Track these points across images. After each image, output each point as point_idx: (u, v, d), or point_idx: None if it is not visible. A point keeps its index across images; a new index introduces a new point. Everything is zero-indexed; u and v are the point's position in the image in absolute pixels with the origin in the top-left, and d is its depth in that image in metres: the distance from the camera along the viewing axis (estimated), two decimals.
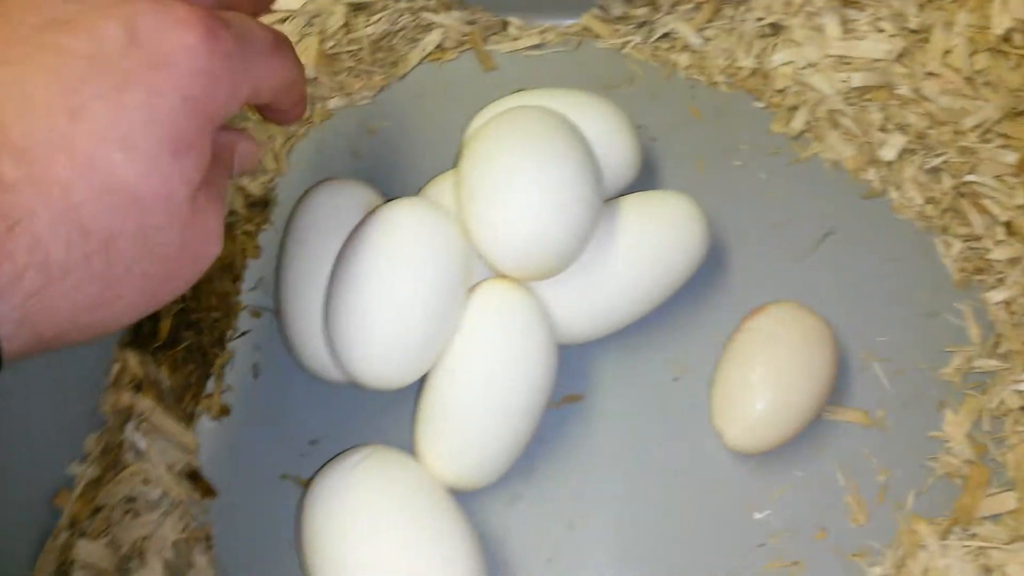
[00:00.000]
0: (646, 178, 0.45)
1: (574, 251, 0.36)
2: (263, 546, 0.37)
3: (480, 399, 0.35)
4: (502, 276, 0.37)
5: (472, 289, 0.37)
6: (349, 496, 0.33)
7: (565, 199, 0.35)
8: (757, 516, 0.37)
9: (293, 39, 0.49)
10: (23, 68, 0.22)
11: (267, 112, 0.32)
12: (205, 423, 0.40)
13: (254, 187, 0.46)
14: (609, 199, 0.41)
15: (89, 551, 0.35)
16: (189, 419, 0.39)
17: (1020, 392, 0.38)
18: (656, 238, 0.39)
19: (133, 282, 0.24)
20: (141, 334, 0.41)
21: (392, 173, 0.46)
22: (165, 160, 0.23)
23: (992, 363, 0.39)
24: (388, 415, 0.40)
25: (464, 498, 0.37)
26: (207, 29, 0.25)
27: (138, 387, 0.39)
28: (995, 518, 0.36)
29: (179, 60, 0.24)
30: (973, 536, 0.35)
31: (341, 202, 0.40)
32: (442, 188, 0.40)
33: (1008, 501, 0.36)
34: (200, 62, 0.24)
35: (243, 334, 0.42)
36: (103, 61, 0.23)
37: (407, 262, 0.35)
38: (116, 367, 0.39)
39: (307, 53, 0.49)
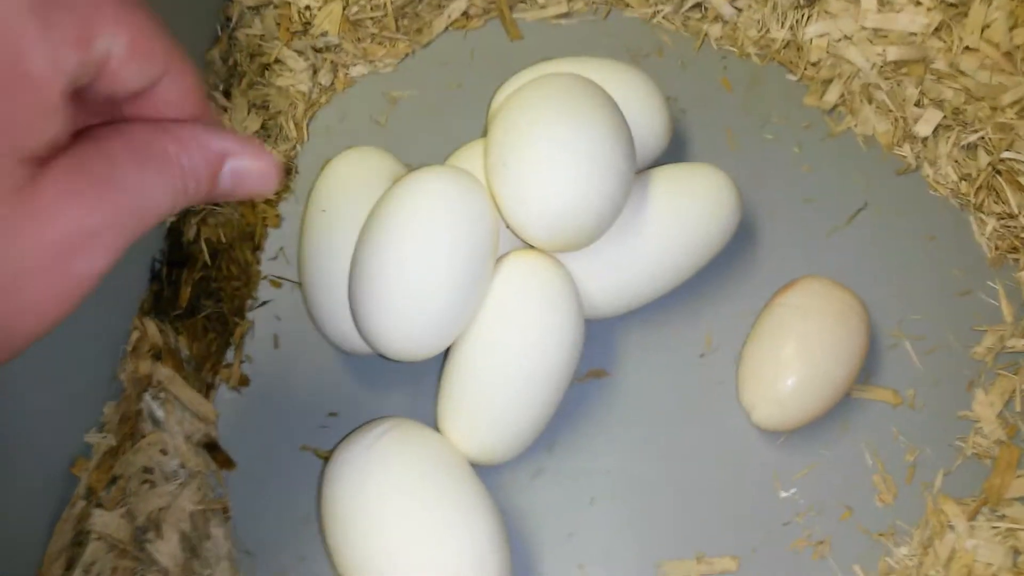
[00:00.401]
0: (676, 150, 0.44)
1: (606, 223, 0.35)
2: (281, 518, 0.37)
3: (505, 373, 0.35)
4: (530, 247, 0.36)
5: (499, 260, 0.36)
6: (371, 469, 0.33)
7: (599, 169, 0.34)
8: (783, 494, 0.37)
9: (316, 4, 0.48)
10: None
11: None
12: (224, 393, 0.39)
13: (276, 155, 0.45)
14: (639, 171, 0.40)
15: (105, 521, 0.35)
16: (208, 389, 0.39)
17: None
18: (687, 211, 0.38)
19: None
20: (161, 301, 0.40)
21: (415, 142, 0.45)
22: None
23: None
24: (410, 387, 0.39)
25: (486, 471, 0.37)
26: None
27: (157, 355, 0.39)
28: None
29: None
30: (1002, 517, 0.35)
31: (364, 171, 0.39)
32: (469, 157, 0.39)
33: None
34: None
35: (263, 304, 0.42)
36: None
37: (434, 232, 0.34)
38: (135, 335, 0.39)
39: (330, 19, 0.48)
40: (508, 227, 0.36)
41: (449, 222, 0.34)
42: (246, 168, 0.22)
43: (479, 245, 0.35)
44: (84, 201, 0.18)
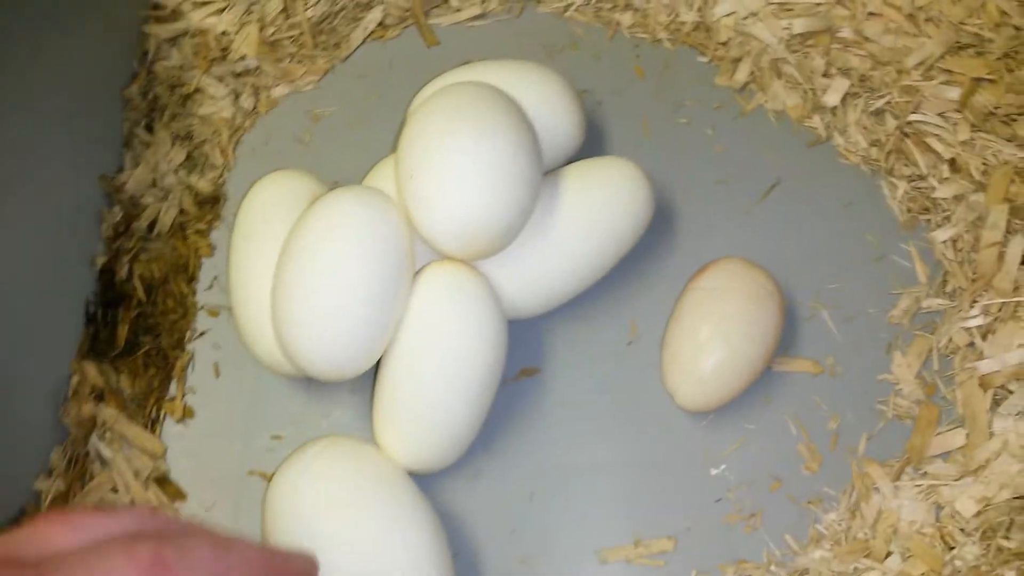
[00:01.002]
0: (593, 142, 0.45)
1: (515, 228, 0.36)
2: None
3: (433, 382, 0.36)
4: (447, 258, 0.37)
5: (418, 273, 0.37)
6: (307, 488, 0.34)
7: (503, 177, 0.35)
8: (713, 472, 0.38)
9: (232, 29, 0.49)
10: None
11: None
12: (170, 426, 0.40)
13: (203, 184, 0.46)
14: (555, 168, 0.41)
15: None
16: (154, 424, 0.40)
17: (967, 329, 0.39)
18: (600, 206, 0.39)
19: None
20: (99, 342, 0.41)
21: (339, 158, 0.46)
22: None
23: (939, 302, 0.40)
24: (351, 403, 0.40)
25: (427, 478, 0.38)
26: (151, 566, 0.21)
27: (99, 397, 0.40)
28: (945, 455, 0.37)
29: None
30: (924, 475, 0.36)
31: (284, 195, 0.40)
32: (384, 173, 0.40)
33: (958, 437, 0.36)
34: None
35: (202, 334, 0.42)
36: None
37: (350, 252, 0.35)
38: (75, 379, 0.40)
39: (248, 42, 0.49)
40: (422, 240, 0.37)
41: (360, 241, 0.35)
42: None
43: (393, 261, 0.35)
44: None
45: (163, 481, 0.39)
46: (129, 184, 0.45)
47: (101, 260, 0.43)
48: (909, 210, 0.42)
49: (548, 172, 0.40)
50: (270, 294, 0.37)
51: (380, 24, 0.50)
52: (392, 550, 0.33)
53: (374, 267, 0.35)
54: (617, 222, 0.39)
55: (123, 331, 0.42)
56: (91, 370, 0.40)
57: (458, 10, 0.50)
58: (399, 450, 0.36)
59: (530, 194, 0.36)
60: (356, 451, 0.35)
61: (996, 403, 0.37)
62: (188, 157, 0.47)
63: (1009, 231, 0.40)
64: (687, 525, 0.37)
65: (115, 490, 0.38)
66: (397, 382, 0.36)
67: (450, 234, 0.35)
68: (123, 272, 0.43)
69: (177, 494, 0.39)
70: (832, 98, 0.45)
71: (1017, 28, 0.45)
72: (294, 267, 0.35)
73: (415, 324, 0.36)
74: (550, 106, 0.41)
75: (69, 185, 0.43)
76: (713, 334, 0.37)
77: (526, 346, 0.41)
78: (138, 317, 0.42)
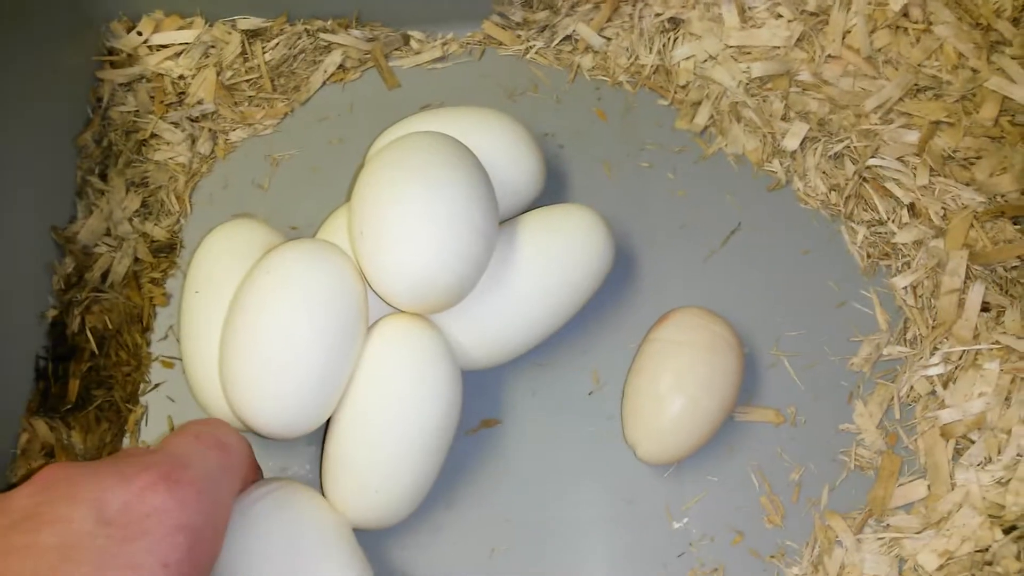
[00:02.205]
0: (555, 186, 0.45)
1: (469, 281, 0.36)
2: None
3: (384, 436, 0.35)
4: (402, 311, 0.37)
5: (372, 326, 0.36)
6: (244, 531, 0.32)
7: (455, 230, 0.34)
8: (676, 526, 0.37)
9: (189, 73, 0.48)
10: None
11: None
12: None
13: (159, 232, 0.45)
14: (515, 215, 0.40)
15: None
16: None
17: (928, 377, 0.38)
18: (559, 254, 0.39)
19: None
20: (49, 398, 0.40)
21: (299, 203, 0.46)
22: None
23: (900, 349, 0.40)
24: (306, 456, 0.39)
25: (387, 532, 0.37)
26: (170, 481, 0.26)
27: (50, 454, 0.39)
28: (908, 507, 0.36)
29: (152, 526, 0.25)
30: (887, 527, 0.36)
31: (238, 245, 0.39)
32: (340, 222, 0.39)
33: (919, 488, 0.36)
34: (173, 518, 0.25)
35: (156, 387, 0.42)
36: (75, 547, 0.23)
37: (300, 307, 0.34)
38: (24, 436, 0.39)
39: (205, 86, 0.48)
40: (375, 293, 0.36)
41: (311, 296, 0.34)
42: None
43: (345, 316, 0.35)
44: None
45: None
46: (82, 234, 0.44)
47: (52, 313, 0.42)
48: (869, 255, 0.42)
49: (507, 219, 0.40)
50: (218, 349, 0.36)
51: (340, 67, 0.50)
52: None
53: (325, 323, 0.34)
54: (576, 270, 0.39)
55: (75, 385, 0.41)
56: (41, 427, 0.39)
57: (419, 52, 0.50)
58: (348, 505, 0.35)
59: (484, 247, 0.36)
60: (303, 499, 0.34)
61: (958, 452, 0.37)
62: (143, 204, 0.46)
63: (969, 277, 0.40)
64: None
65: None
66: (347, 436, 0.35)
67: (402, 289, 0.35)
68: (75, 325, 0.42)
69: None
70: (791, 142, 0.45)
71: (974, 70, 0.45)
72: (242, 322, 0.35)
73: (367, 378, 0.35)
74: (509, 153, 0.40)
75: (19, 236, 0.42)
76: (672, 386, 0.37)
77: (487, 396, 0.40)
78: (90, 370, 0.41)
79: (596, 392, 0.40)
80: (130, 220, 0.45)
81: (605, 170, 0.46)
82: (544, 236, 0.39)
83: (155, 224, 0.45)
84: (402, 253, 0.34)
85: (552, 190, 0.44)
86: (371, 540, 0.36)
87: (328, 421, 0.36)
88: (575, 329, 0.41)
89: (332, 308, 0.35)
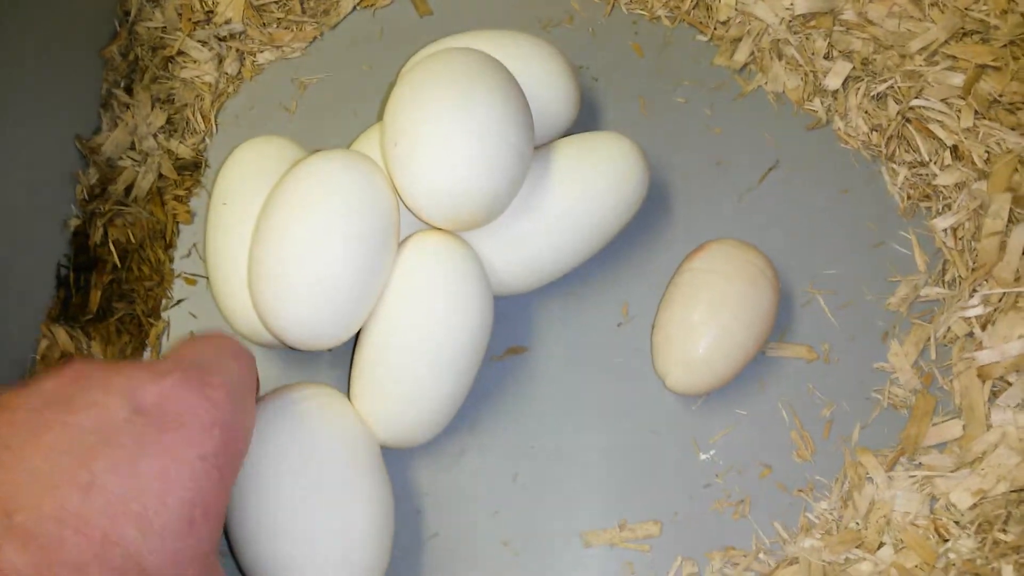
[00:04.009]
0: (588, 119, 0.44)
1: (503, 199, 0.35)
2: None
3: (414, 355, 0.34)
4: (434, 228, 0.36)
5: (403, 242, 0.36)
6: (277, 433, 0.32)
7: (491, 145, 0.34)
8: (703, 457, 0.37)
9: None
10: (25, 448, 0.22)
11: None
12: None
13: (183, 150, 0.44)
14: (547, 143, 0.39)
15: None
16: None
17: (967, 319, 0.38)
18: (594, 180, 0.38)
19: None
20: (70, 307, 0.40)
21: (325, 128, 0.45)
22: (180, 532, 0.23)
23: (938, 291, 0.39)
24: (330, 376, 0.39)
25: (410, 453, 0.37)
26: (204, 383, 0.25)
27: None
28: (941, 447, 0.36)
29: (189, 419, 0.24)
30: (919, 466, 0.35)
31: (265, 160, 0.38)
32: (371, 140, 0.39)
33: (954, 428, 0.35)
34: (211, 414, 0.25)
35: (178, 303, 0.41)
36: (111, 432, 0.23)
37: (333, 218, 0.33)
38: (44, 343, 0.38)
39: (234, 6, 0.47)
40: (407, 209, 0.35)
41: (343, 206, 0.33)
42: None
43: (377, 227, 0.34)
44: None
45: None
46: (106, 146, 0.43)
47: (75, 223, 0.42)
48: (909, 197, 0.41)
49: (541, 145, 0.39)
50: (247, 262, 0.35)
51: None
52: (333, 520, 0.32)
53: (358, 233, 0.34)
54: (610, 198, 0.38)
55: (96, 296, 0.40)
56: (61, 334, 0.39)
57: None
58: (375, 422, 0.35)
59: (520, 164, 0.35)
60: (336, 409, 0.34)
61: (994, 394, 0.36)
62: (168, 121, 0.45)
63: (1011, 220, 0.39)
64: (674, 510, 0.36)
65: None
66: (377, 353, 0.35)
67: (435, 204, 0.34)
68: (97, 236, 0.41)
69: None
70: (833, 81, 0.44)
71: (1023, 15, 0.44)
72: (274, 233, 0.34)
73: (398, 295, 0.35)
74: (544, 78, 0.39)
75: (43, 144, 0.41)
76: (706, 316, 0.36)
77: (515, 323, 0.39)
78: (112, 283, 0.41)
79: (625, 324, 0.40)
80: (155, 136, 0.44)
81: (640, 105, 0.45)
82: (579, 161, 0.38)
83: (180, 142, 0.45)
84: (436, 166, 0.33)
85: (585, 123, 0.43)
86: (393, 458, 0.36)
87: (357, 336, 0.36)
88: (606, 261, 0.40)
89: (365, 218, 0.34)
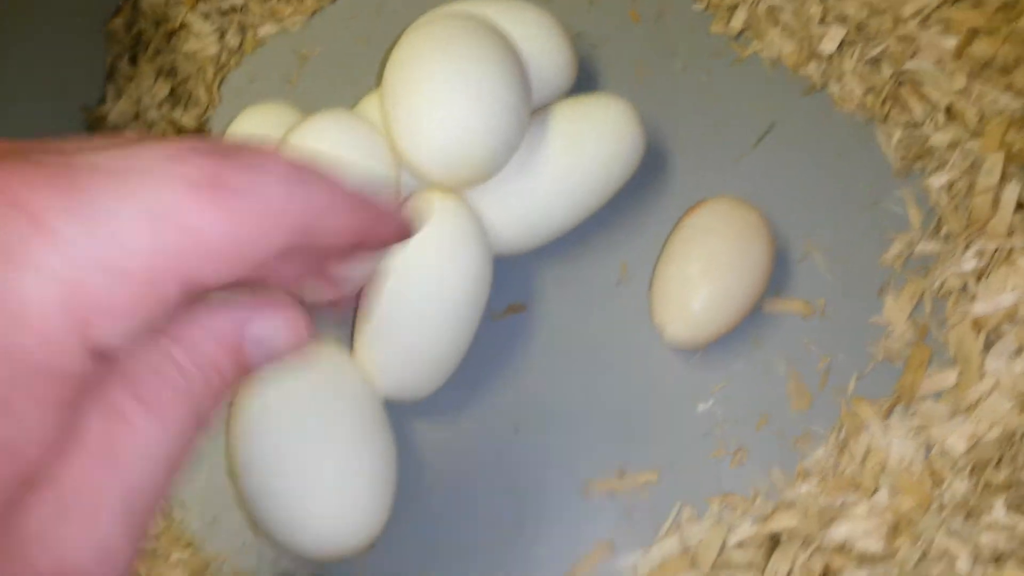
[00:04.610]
0: (585, 85, 0.44)
1: (502, 155, 0.35)
2: (210, 470, 0.37)
3: (414, 310, 0.35)
4: (433, 188, 0.36)
5: (403, 201, 0.36)
6: (285, 380, 0.33)
7: (488, 103, 0.34)
8: (700, 408, 0.37)
9: None
10: None
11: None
12: None
13: (187, 120, 0.45)
14: (543, 107, 0.40)
15: None
16: None
17: (961, 273, 0.38)
18: (590, 140, 0.38)
19: None
20: None
21: (326, 100, 0.45)
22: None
23: (933, 247, 0.39)
24: (331, 330, 0.39)
25: (410, 408, 0.37)
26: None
27: None
28: (936, 396, 0.36)
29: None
30: (914, 415, 0.36)
31: (269, 126, 0.39)
32: (369, 105, 0.39)
33: (949, 377, 0.36)
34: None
35: None
36: None
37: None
38: None
39: None
40: (408, 168, 0.36)
41: (343, 167, 0.34)
42: (268, 331, 0.18)
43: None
44: (73, 528, 0.15)
45: None
46: (112, 116, 0.44)
47: None
48: (903, 157, 0.42)
49: (538, 110, 0.40)
50: None
51: None
52: (336, 470, 0.33)
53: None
54: (608, 157, 0.39)
55: None
56: None
57: None
58: (377, 376, 0.36)
59: (517, 124, 0.36)
60: (338, 362, 0.35)
61: (988, 344, 0.36)
62: (172, 92, 0.46)
63: (1004, 178, 0.40)
64: (672, 459, 0.36)
65: None
66: (378, 309, 0.35)
67: (434, 159, 0.34)
68: None
69: None
70: (828, 45, 0.44)
71: None
72: None
73: (399, 252, 0.35)
74: (541, 44, 0.40)
75: (50, 115, 0.42)
76: (703, 271, 0.36)
77: (513, 283, 0.40)
78: None
79: (623, 283, 0.40)
80: (159, 107, 0.45)
81: (636, 72, 0.45)
82: (575, 123, 0.39)
83: (183, 112, 0.45)
84: (436, 121, 0.34)
85: (582, 90, 0.43)
86: (395, 414, 0.36)
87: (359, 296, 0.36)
88: (603, 222, 0.41)
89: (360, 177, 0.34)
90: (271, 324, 0.18)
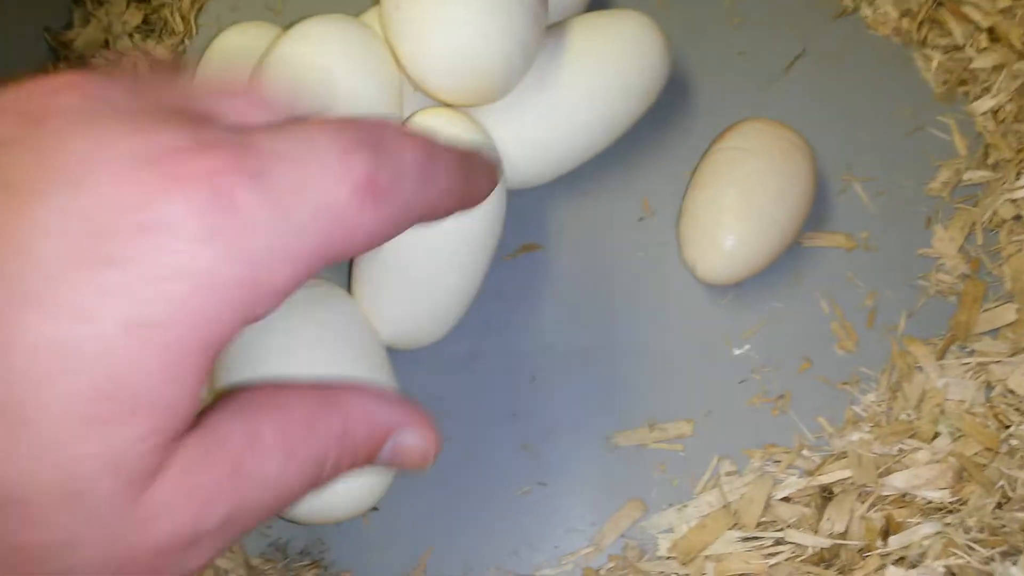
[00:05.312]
0: (601, 6, 0.40)
1: (517, 68, 0.32)
2: None
3: (418, 249, 0.31)
4: (439, 106, 0.33)
5: (406, 120, 0.32)
6: (282, 324, 0.29)
7: (503, 6, 0.30)
8: (736, 352, 0.34)
9: None
10: None
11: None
12: None
13: (160, 51, 0.41)
14: (558, 22, 0.36)
15: None
16: None
17: (1014, 201, 0.35)
18: (612, 59, 0.35)
19: None
20: None
21: None
22: (73, 431, 0.14)
23: (982, 174, 0.36)
24: (328, 270, 0.36)
25: (419, 354, 0.33)
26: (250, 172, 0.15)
27: None
28: (994, 332, 0.33)
29: (173, 227, 0.14)
30: (972, 353, 0.32)
31: (253, 44, 0.35)
32: (370, 19, 0.35)
33: (1007, 313, 0.33)
34: (206, 223, 0.14)
35: None
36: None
37: (329, 87, 0.30)
38: None
39: None
40: (411, 82, 0.32)
41: (340, 76, 0.30)
42: (410, 446, 0.20)
43: (377, 102, 0.31)
44: (199, 504, 0.16)
45: None
46: (78, 42, 0.40)
47: None
48: (945, 82, 0.39)
49: (553, 24, 0.36)
50: None
51: None
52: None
53: (357, 107, 0.30)
54: (631, 77, 0.35)
55: None
56: None
57: None
58: (379, 321, 0.32)
59: (535, 29, 0.32)
60: (341, 306, 0.31)
61: None
62: (145, 21, 0.42)
63: None
64: (707, 408, 0.33)
65: None
66: (379, 250, 0.32)
67: (442, 71, 0.31)
68: None
69: None
70: None
71: None
72: None
73: None
74: None
75: (11, 36, 0.38)
76: (740, 197, 0.33)
77: (527, 220, 0.36)
78: None
79: (647, 219, 0.37)
80: (131, 36, 0.41)
81: None
82: (596, 39, 0.35)
83: (157, 42, 0.41)
84: (443, 28, 0.30)
85: (597, 10, 0.40)
86: (401, 362, 0.33)
87: None
88: (624, 154, 0.37)
89: (365, 87, 0.31)
90: (417, 439, 0.20)
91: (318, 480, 0.18)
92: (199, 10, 0.42)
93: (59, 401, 0.14)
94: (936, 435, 0.31)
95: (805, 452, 0.32)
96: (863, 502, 0.30)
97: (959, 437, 0.31)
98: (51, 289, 0.14)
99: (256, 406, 0.17)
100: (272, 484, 0.17)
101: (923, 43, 0.39)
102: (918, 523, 0.29)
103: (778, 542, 0.30)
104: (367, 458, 0.19)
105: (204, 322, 0.15)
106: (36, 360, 0.14)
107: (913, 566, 0.28)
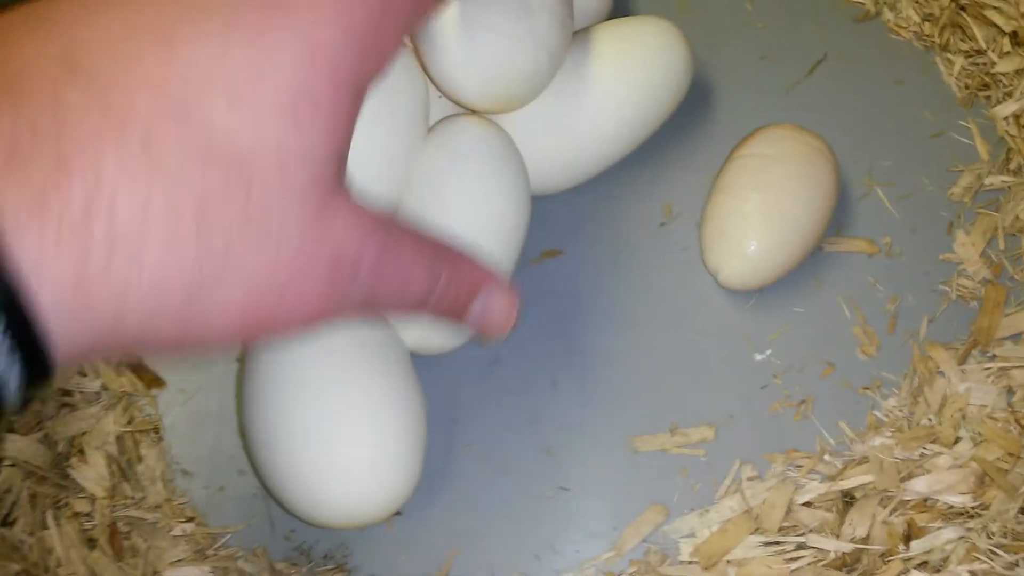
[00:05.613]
0: (622, 13, 0.41)
1: (544, 75, 0.32)
2: (219, 434, 0.34)
3: None
4: (465, 112, 0.33)
5: (433, 127, 0.33)
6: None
7: (532, 12, 0.31)
8: (758, 357, 0.34)
9: None
10: (102, 7, 0.17)
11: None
12: None
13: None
14: (582, 29, 0.37)
15: (19, 447, 0.31)
16: None
17: None
18: (635, 65, 0.35)
19: (233, 270, 0.17)
20: None
21: None
22: (282, 121, 0.17)
23: (1004, 179, 0.36)
24: None
25: (440, 361, 0.34)
26: None
27: None
28: (1016, 337, 0.33)
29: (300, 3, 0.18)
30: (993, 358, 0.33)
31: None
32: None
33: None
34: (334, 7, 0.18)
35: None
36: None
37: None
38: None
39: None
40: (437, 89, 0.32)
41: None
42: (496, 308, 0.22)
43: (404, 109, 0.31)
44: (361, 235, 0.18)
45: (139, 367, 0.35)
46: None
47: None
48: (967, 86, 0.39)
49: (577, 32, 0.36)
50: None
51: None
52: (361, 424, 0.29)
53: (383, 114, 0.31)
54: (654, 84, 0.35)
55: None
56: None
57: None
58: (402, 328, 0.32)
59: (562, 35, 0.32)
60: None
61: None
62: None
63: None
64: (729, 413, 0.33)
65: (83, 373, 0.34)
66: None
67: (470, 77, 0.31)
68: None
69: (154, 381, 0.35)
70: None
71: None
72: None
73: (427, 183, 0.32)
74: None
75: None
76: (762, 203, 0.33)
77: (549, 225, 0.37)
78: None
79: (668, 224, 0.37)
80: None
81: (677, 1, 0.42)
82: (619, 46, 0.35)
83: None
84: (471, 33, 0.30)
85: (620, 14, 0.40)
86: (423, 367, 0.33)
87: None
88: (645, 160, 0.37)
89: (391, 97, 0.31)
90: (503, 303, 0.22)
91: (421, 306, 0.20)
92: None
93: (271, 92, 0.17)
94: (958, 440, 0.31)
95: (827, 457, 0.32)
96: (885, 507, 0.30)
97: (981, 442, 0.31)
98: (239, 18, 0.17)
99: (400, 223, 0.20)
100: (397, 279, 0.19)
101: (945, 47, 0.39)
102: (940, 528, 0.29)
103: (800, 547, 0.30)
104: (461, 310, 0.21)
105: (360, 54, 0.18)
106: (238, 74, 0.17)
107: (936, 571, 0.28)
